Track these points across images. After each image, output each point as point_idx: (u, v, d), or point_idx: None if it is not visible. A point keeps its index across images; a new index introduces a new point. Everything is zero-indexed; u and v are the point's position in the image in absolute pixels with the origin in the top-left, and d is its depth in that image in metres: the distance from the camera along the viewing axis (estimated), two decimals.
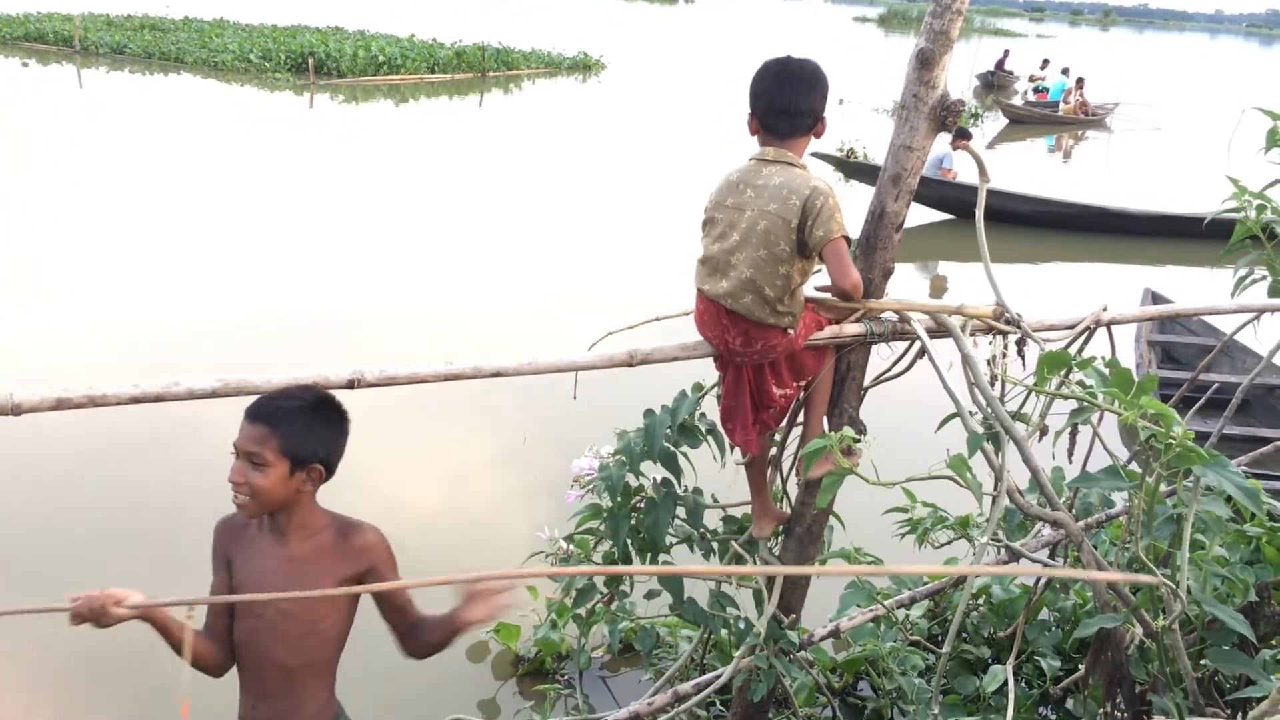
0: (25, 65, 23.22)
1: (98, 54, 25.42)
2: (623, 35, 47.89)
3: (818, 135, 3.00)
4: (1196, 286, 11.08)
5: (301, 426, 2.31)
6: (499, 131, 19.53)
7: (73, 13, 28.26)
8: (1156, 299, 8.45)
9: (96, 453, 5.86)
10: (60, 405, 2.25)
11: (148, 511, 5.40)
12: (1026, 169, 19.41)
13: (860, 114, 22.70)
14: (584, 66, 31.54)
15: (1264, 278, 3.75)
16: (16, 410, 2.21)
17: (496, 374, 2.74)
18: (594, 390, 3.68)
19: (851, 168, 13.36)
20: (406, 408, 6.43)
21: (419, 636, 2.50)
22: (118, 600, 2.10)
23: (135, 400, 2.30)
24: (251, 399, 2.34)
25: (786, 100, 2.90)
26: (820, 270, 3.03)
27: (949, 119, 2.90)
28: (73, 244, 10.14)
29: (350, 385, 2.53)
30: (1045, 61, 31.51)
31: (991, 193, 10.99)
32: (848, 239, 2.86)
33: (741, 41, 46.99)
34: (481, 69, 27.69)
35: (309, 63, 23.80)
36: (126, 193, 12.35)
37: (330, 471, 2.38)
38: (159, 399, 2.32)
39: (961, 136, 3.04)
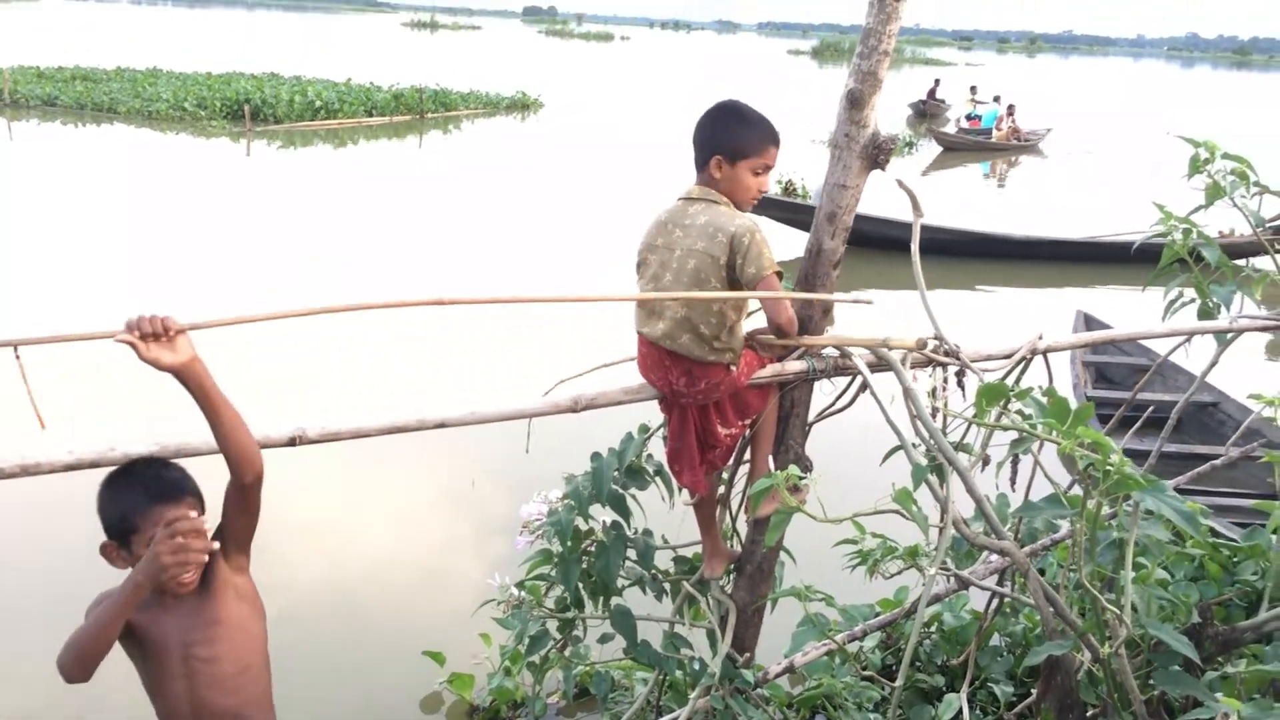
0: None
1: (28, 106, 25.04)
2: (560, 73, 48.13)
3: (719, 168, 2.97)
4: (1127, 307, 11.30)
5: (186, 475, 2.38)
6: (439, 171, 19.50)
7: (1, 66, 27.81)
8: (1089, 322, 8.60)
9: (30, 515, 5.71)
10: None
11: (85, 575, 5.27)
12: (962, 196, 19.75)
13: (797, 145, 22.97)
14: (522, 105, 31.63)
15: (1193, 300, 3.83)
16: None
17: (440, 425, 2.73)
18: (541, 434, 3.66)
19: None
20: (350, 456, 6.35)
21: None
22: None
23: (70, 468, 2.26)
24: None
25: (694, 135, 3.01)
26: (760, 309, 3.06)
27: (881, 157, 2.95)
28: (1, 296, 9.94)
29: (292, 443, 2.50)
30: (973, 88, 32.15)
31: (879, 221, 11.10)
32: (780, 274, 2.90)
33: (677, 76, 47.46)
34: (420, 110, 27.66)
35: (245, 109, 23.62)
36: (58, 244, 12.15)
37: None
38: (94, 465, 2.28)
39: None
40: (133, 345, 2.12)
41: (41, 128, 22.50)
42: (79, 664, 2.19)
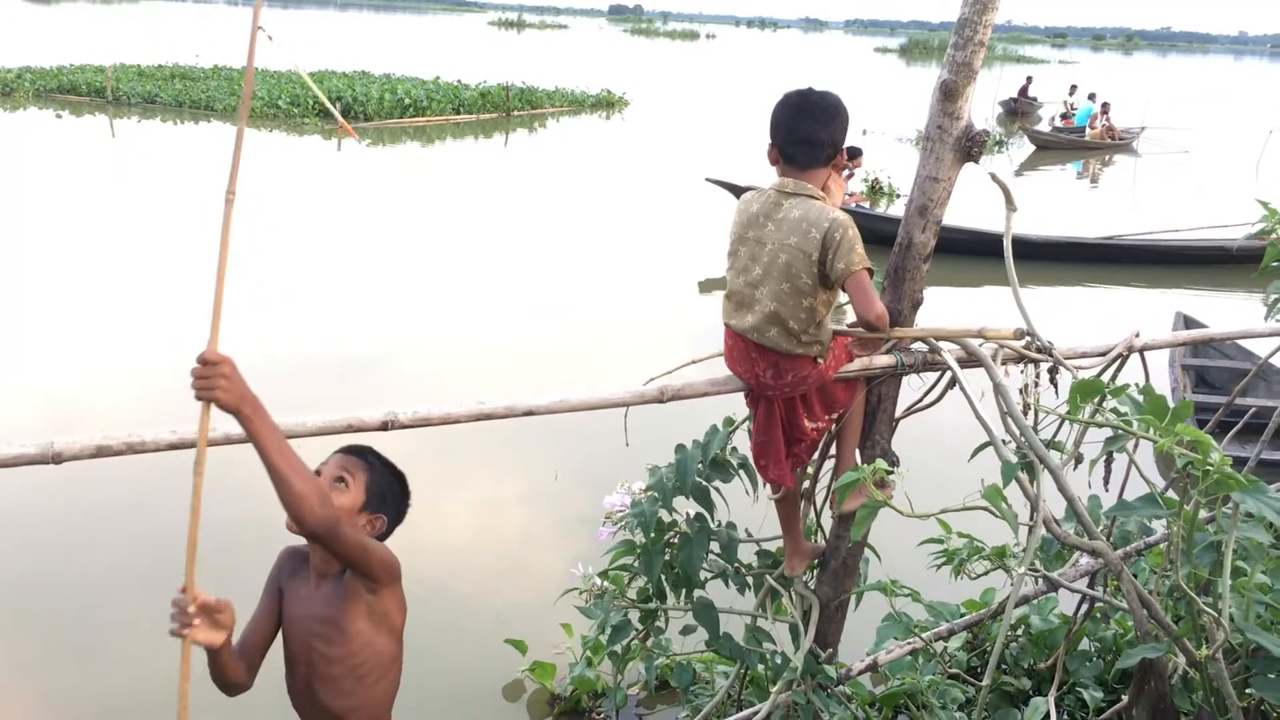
0: (59, 117, 23.62)
1: (129, 104, 25.79)
2: (646, 72, 48.23)
3: (837, 168, 3.02)
4: (1229, 310, 10.99)
5: (388, 475, 2.47)
6: (525, 169, 19.69)
7: (104, 64, 28.66)
8: (1189, 323, 8.38)
9: (136, 496, 5.89)
10: (100, 453, 2.28)
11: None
12: (1054, 194, 19.36)
13: (883, 143, 22.72)
14: (607, 104, 31.76)
15: None
16: (58, 459, 2.24)
17: (528, 413, 2.76)
18: (624, 426, 3.68)
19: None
20: (438, 446, 6.45)
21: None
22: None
23: (174, 447, 2.32)
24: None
25: (805, 130, 2.93)
26: (849, 301, 3.04)
27: (974, 149, 2.91)
28: (109, 288, 10.27)
29: (384, 427, 2.55)
30: (1073, 87, 31.46)
31: (963, 231, 10.69)
32: (870, 270, 2.87)
33: (763, 74, 47.25)
34: (506, 109, 27.93)
35: (336, 106, 24.10)
36: (159, 236, 12.52)
37: (389, 530, 2.48)
38: (195, 445, 2.34)
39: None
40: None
41: (142, 125, 23.19)
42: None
